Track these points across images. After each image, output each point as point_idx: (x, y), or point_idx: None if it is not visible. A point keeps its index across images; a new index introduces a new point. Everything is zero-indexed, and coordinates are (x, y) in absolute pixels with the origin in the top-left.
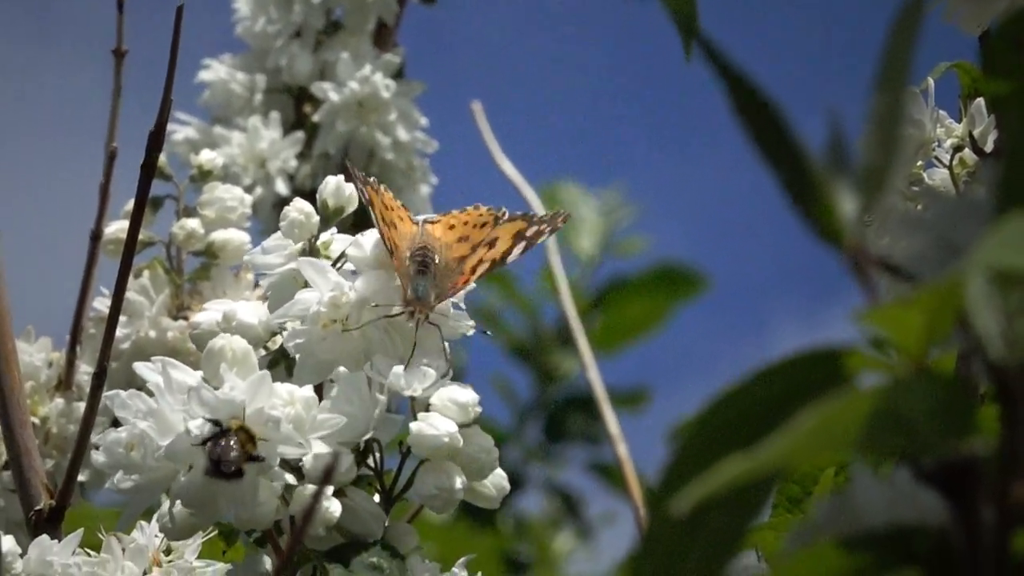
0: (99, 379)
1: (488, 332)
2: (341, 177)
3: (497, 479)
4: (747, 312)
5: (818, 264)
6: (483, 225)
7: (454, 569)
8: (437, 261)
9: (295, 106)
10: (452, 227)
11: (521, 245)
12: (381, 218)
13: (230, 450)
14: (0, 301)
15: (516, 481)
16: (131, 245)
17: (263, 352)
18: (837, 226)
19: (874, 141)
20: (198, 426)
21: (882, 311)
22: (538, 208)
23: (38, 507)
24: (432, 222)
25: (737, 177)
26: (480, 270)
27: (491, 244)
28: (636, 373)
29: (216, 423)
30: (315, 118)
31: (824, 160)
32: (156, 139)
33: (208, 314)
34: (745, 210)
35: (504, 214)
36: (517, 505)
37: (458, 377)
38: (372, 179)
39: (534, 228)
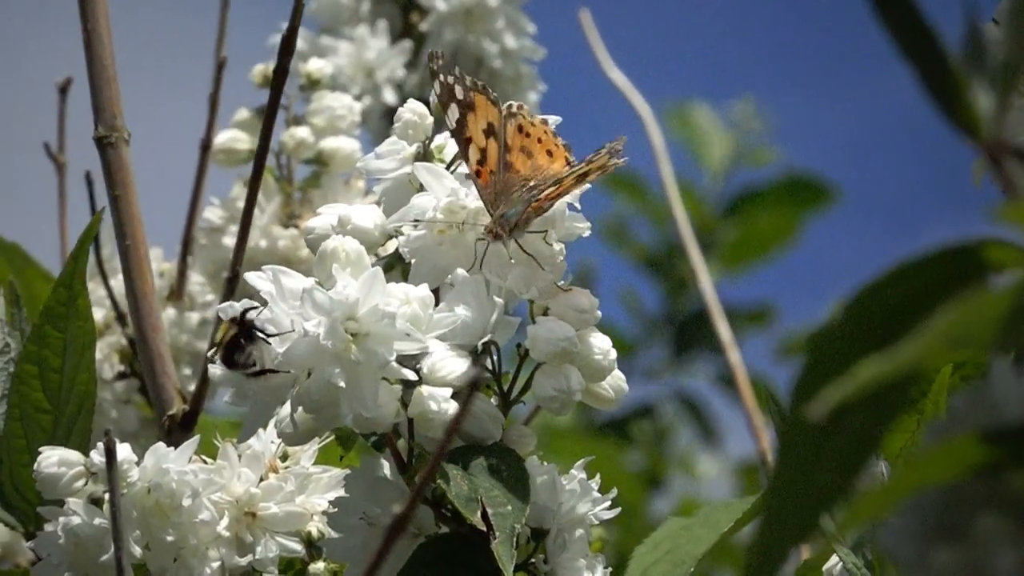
0: (231, 284)
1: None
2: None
3: (615, 381)
4: (889, 224)
5: (963, 177)
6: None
7: (572, 471)
8: (546, 205)
9: (402, 15)
10: (585, 174)
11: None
12: (499, 139)
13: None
14: (131, 207)
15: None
16: (263, 150)
17: (376, 257)
18: (975, 120)
19: (1011, 37)
20: (315, 325)
21: (1020, 207)
22: (648, 119)
23: (171, 412)
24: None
25: (876, 89)
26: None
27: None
28: (771, 287)
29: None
30: (422, 27)
31: (962, 56)
32: (288, 43)
33: (323, 218)
34: (884, 124)
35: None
36: (651, 419)
37: (587, 288)
38: (518, 105)
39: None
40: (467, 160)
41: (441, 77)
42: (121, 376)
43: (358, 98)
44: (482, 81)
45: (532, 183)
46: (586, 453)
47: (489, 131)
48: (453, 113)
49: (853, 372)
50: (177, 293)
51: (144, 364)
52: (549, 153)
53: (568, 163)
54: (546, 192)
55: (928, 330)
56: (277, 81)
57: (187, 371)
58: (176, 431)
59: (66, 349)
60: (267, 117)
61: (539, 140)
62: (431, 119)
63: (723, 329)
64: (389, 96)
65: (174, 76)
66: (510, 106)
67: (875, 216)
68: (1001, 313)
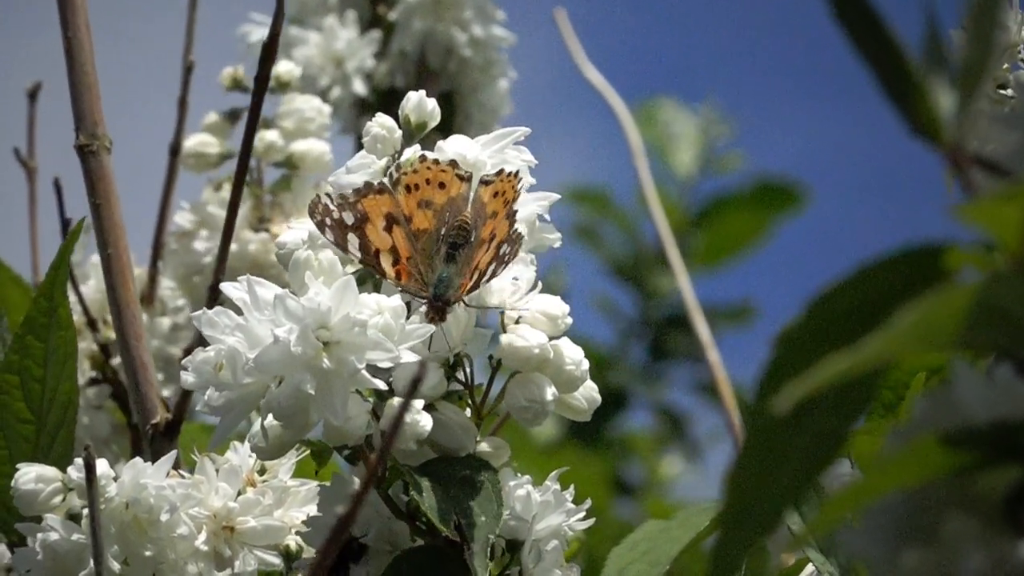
0: (214, 293)
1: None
2: (423, 92)
3: (588, 391)
4: (850, 223)
5: (921, 172)
6: (507, 203)
7: (547, 482)
8: (472, 239)
9: (371, 5)
10: (496, 194)
11: (492, 266)
12: (395, 219)
13: None
14: (113, 215)
15: (621, 401)
16: (244, 160)
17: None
18: (935, 123)
19: (971, 37)
20: (286, 332)
21: (980, 206)
22: (625, 118)
23: (154, 421)
24: (486, 182)
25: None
26: (472, 279)
27: (490, 242)
28: (745, 288)
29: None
30: (391, 17)
31: (921, 57)
32: (269, 50)
33: (294, 233)
34: (845, 122)
35: (519, 191)
36: (623, 426)
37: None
38: (396, 167)
39: (504, 246)
40: (384, 274)
41: (328, 221)
42: (93, 382)
43: (328, 89)
44: (366, 180)
45: (443, 230)
46: (559, 463)
47: (390, 222)
48: (353, 243)
49: (818, 367)
50: (148, 298)
51: (127, 373)
52: (442, 185)
53: (460, 178)
54: (485, 269)
55: (893, 327)
56: (259, 88)
57: (159, 376)
58: (159, 440)
59: (48, 359)
60: (248, 125)
61: (427, 181)
62: (399, 132)
63: (701, 327)
64: (359, 86)
65: (143, 80)
66: (390, 176)
67: (852, 213)
68: (965, 309)
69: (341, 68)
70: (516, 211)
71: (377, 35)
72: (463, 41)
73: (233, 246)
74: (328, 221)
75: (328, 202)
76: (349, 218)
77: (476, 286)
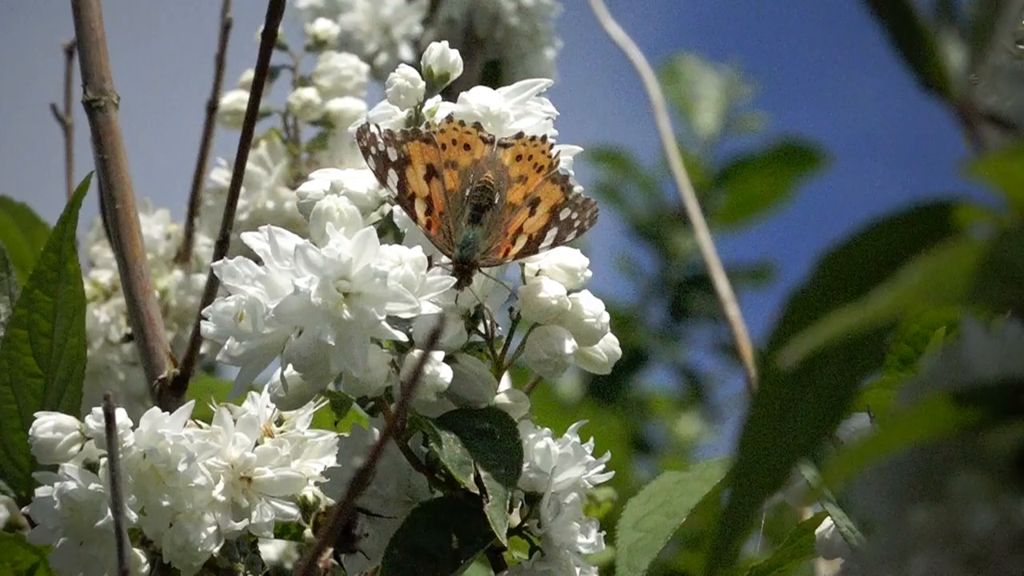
0: (221, 248)
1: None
2: (445, 43)
3: (608, 344)
4: (872, 188)
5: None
6: (539, 169)
7: (566, 435)
8: (496, 202)
9: None
10: (519, 158)
11: (553, 232)
12: (428, 172)
13: None
14: (120, 170)
15: (641, 361)
16: (252, 116)
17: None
18: (945, 78)
19: None
20: (306, 283)
21: (989, 162)
22: (646, 73)
23: (162, 376)
24: (506, 145)
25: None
26: (519, 244)
27: (533, 207)
28: (766, 248)
29: None
30: None
31: (932, 13)
32: (276, 5)
33: (315, 183)
34: (869, 89)
35: (557, 158)
36: (643, 386)
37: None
38: (418, 129)
39: (567, 212)
40: (416, 219)
41: (373, 151)
42: (128, 338)
43: (374, 55)
44: (414, 127)
45: (468, 191)
46: (577, 420)
47: (430, 173)
48: (392, 180)
49: (827, 322)
50: (184, 255)
51: (134, 328)
52: (467, 147)
53: (484, 140)
54: (515, 246)
55: (902, 282)
56: (265, 45)
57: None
58: (167, 395)
59: (56, 313)
60: (255, 83)
61: (453, 142)
62: (423, 84)
63: (721, 282)
64: (406, 52)
65: (181, 37)
66: (428, 126)
67: (874, 178)
68: (974, 265)
69: (388, 35)
70: (568, 175)
71: (424, 2)
72: (510, 9)
73: (270, 203)
74: (373, 151)
75: (376, 132)
76: (393, 155)
77: (531, 250)
